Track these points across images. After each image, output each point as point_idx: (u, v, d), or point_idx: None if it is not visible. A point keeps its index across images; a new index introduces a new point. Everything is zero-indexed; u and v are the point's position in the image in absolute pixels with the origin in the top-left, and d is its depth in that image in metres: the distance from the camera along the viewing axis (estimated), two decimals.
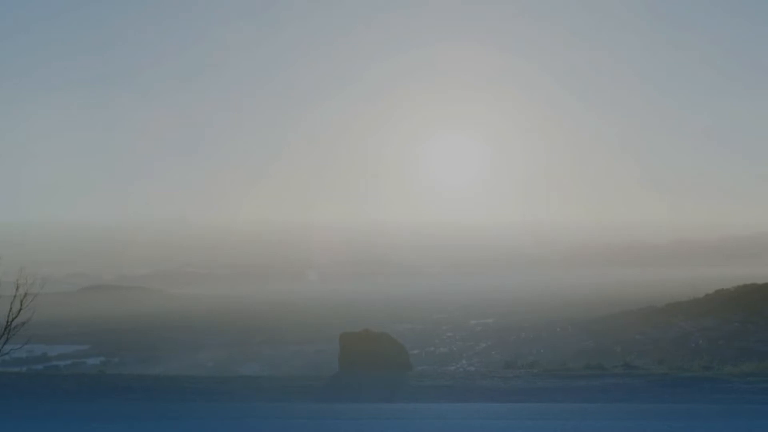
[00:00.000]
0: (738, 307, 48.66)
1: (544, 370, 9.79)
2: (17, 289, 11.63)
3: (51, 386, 9.63)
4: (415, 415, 6.99)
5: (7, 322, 11.40)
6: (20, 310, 11.46)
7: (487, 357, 47.34)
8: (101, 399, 8.45)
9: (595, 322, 55.16)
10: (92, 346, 72.62)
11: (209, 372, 25.22)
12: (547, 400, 7.68)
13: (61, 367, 38.85)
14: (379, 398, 8.18)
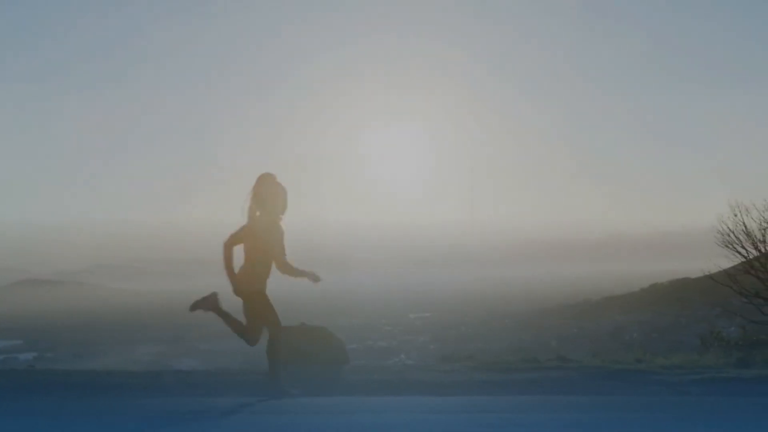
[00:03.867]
0: (671, 301, 49.57)
1: (480, 364, 9.83)
2: None
3: None
4: (350, 409, 6.96)
5: None
6: None
7: (426, 351, 47.52)
8: (30, 395, 8.27)
9: (532, 316, 55.72)
10: (25, 342, 71.47)
11: (145, 367, 24.93)
12: (483, 393, 7.72)
13: None
14: (314, 392, 8.14)
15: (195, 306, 8.31)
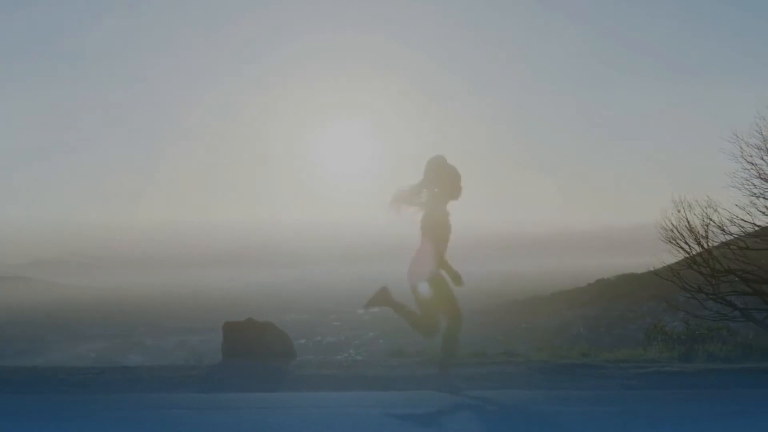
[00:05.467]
0: (618, 296, 50.03)
1: (427, 359, 9.85)
2: None
3: None
4: (295, 404, 6.93)
5: None
6: None
7: (375, 346, 47.52)
8: None
9: (481, 312, 55.92)
10: None
11: (90, 363, 24.65)
12: (430, 388, 7.72)
13: None
14: (260, 388, 8.09)
15: (370, 304, 8.03)
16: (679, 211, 11.21)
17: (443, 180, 7.51)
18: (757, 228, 11.16)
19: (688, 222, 11.21)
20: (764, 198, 10.78)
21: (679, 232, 11.30)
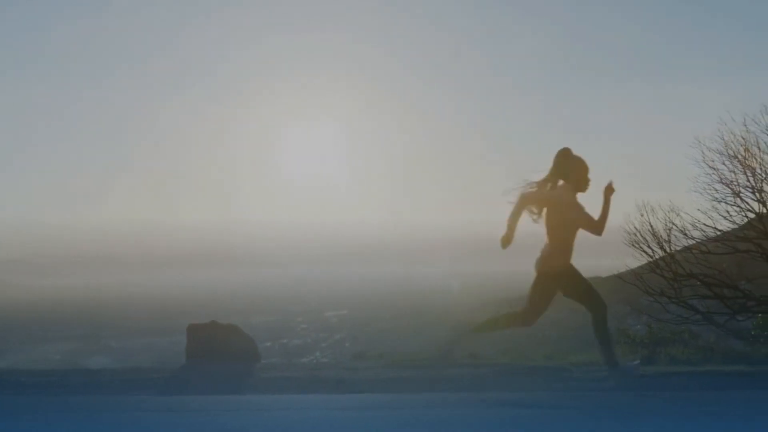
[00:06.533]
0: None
1: (392, 361, 9.87)
2: None
3: None
4: (257, 407, 6.91)
5: None
6: None
7: (342, 348, 47.43)
8: None
9: (448, 314, 55.98)
10: None
11: (53, 365, 24.43)
12: (392, 390, 7.73)
13: None
14: (222, 390, 8.07)
15: (477, 330, 8.38)
16: (642, 215, 11.30)
17: (570, 172, 7.48)
18: (718, 233, 11.29)
19: (651, 226, 11.31)
20: (725, 203, 10.91)
21: (642, 236, 11.40)
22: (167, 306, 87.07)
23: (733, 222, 11.19)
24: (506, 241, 8.12)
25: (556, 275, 7.63)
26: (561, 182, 7.68)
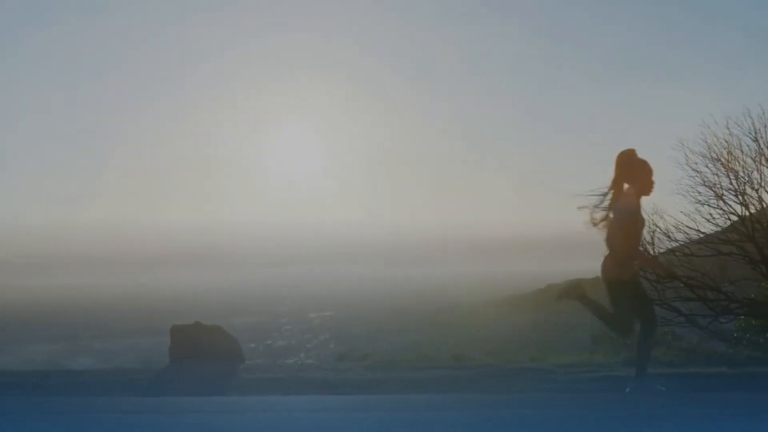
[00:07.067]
0: (567, 301, 50.31)
1: (375, 362, 9.87)
2: None
3: None
4: (242, 408, 6.90)
5: None
6: None
7: (326, 350, 47.44)
8: None
9: (432, 315, 56.03)
10: None
11: (36, 366, 24.32)
12: (375, 391, 7.74)
13: None
14: (206, 391, 8.05)
15: (562, 296, 7.87)
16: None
17: (635, 176, 7.37)
18: (701, 235, 11.32)
19: None
20: (709, 206, 10.94)
21: None
22: (151, 307, 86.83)
23: (716, 224, 11.22)
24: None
25: (623, 283, 7.48)
26: (626, 186, 7.51)
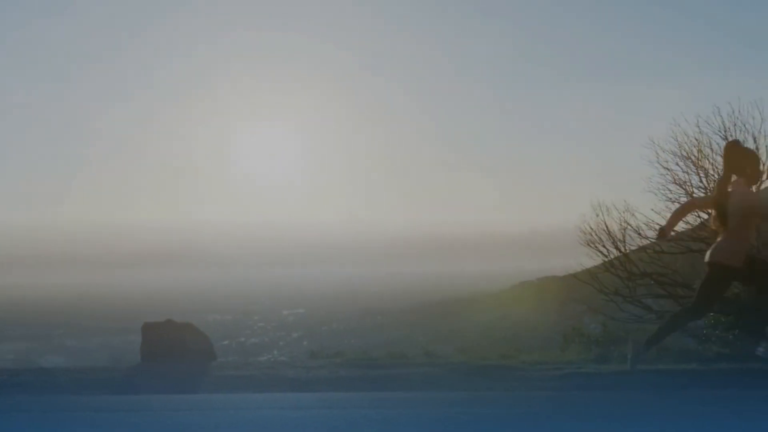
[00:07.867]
0: (539, 299, 50.60)
1: (347, 360, 9.87)
2: None
3: None
4: (212, 406, 6.87)
5: None
6: None
7: (299, 347, 47.35)
8: None
9: (405, 313, 56.14)
10: None
11: (6, 364, 24.13)
12: (347, 389, 7.73)
13: None
14: (177, 389, 8.01)
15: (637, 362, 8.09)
16: (597, 215, 11.39)
17: (743, 166, 7.33)
18: (672, 233, 11.40)
19: (606, 226, 11.41)
20: (679, 203, 11.02)
21: (597, 236, 11.49)
22: (124, 305, 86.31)
23: (687, 222, 11.31)
24: (663, 234, 8.18)
25: (730, 269, 7.47)
26: (734, 178, 7.47)
